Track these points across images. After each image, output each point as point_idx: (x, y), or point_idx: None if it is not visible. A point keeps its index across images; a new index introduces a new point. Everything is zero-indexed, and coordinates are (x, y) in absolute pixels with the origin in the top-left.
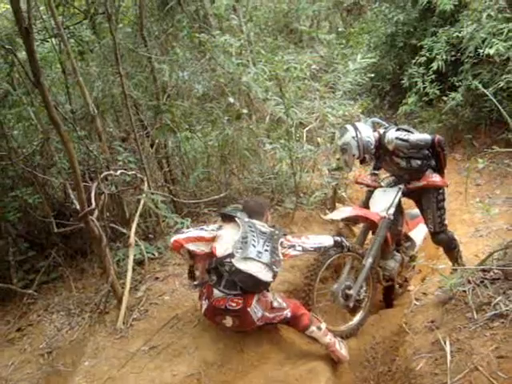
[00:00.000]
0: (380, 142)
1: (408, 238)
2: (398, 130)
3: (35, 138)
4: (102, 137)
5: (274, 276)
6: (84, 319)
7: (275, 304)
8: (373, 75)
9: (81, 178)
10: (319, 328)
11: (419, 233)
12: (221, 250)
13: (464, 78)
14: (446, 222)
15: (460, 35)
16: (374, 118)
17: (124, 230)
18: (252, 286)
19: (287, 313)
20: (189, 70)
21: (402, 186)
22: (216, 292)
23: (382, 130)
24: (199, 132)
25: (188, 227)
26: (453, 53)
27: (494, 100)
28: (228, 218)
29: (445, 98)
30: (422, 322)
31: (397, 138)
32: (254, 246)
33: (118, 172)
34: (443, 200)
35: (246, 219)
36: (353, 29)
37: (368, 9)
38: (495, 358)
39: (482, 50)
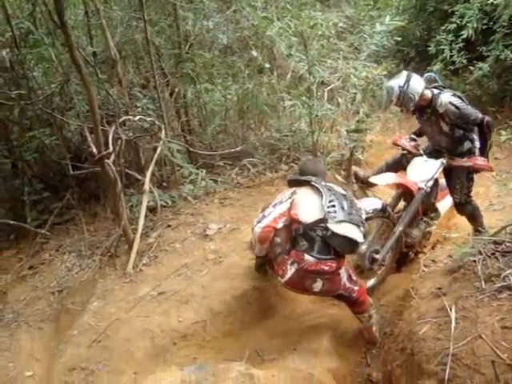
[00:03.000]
0: (431, 102)
1: (435, 209)
2: (453, 95)
3: (55, 79)
4: (122, 82)
5: (364, 236)
6: (94, 261)
7: (353, 276)
8: (399, 39)
9: (99, 122)
10: (370, 316)
11: (445, 204)
12: (305, 215)
13: (494, 48)
14: (472, 194)
15: (495, 2)
16: (430, 73)
17: (139, 177)
18: (348, 249)
19: (356, 291)
20: (214, 20)
21: (444, 161)
22: (308, 257)
23: (436, 91)
24: (219, 84)
25: (203, 179)
26: (485, 21)
27: None
28: (300, 183)
29: (471, 68)
30: (429, 288)
31: (450, 103)
32: (343, 208)
33: (137, 118)
34: (474, 172)
35: (323, 183)
36: None
37: None
38: (500, 328)
39: None
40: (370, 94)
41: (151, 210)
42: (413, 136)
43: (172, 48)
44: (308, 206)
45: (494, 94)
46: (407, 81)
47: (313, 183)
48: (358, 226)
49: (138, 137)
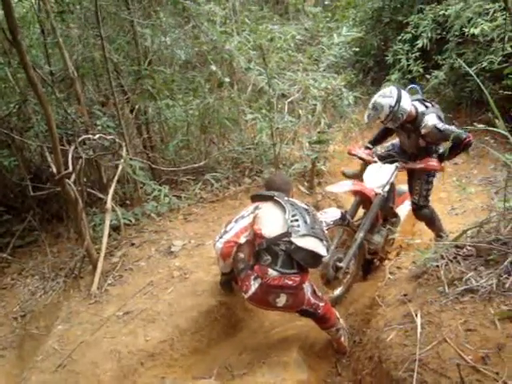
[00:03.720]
0: (415, 119)
1: (394, 214)
2: (437, 117)
3: (12, 99)
4: (81, 100)
5: (327, 250)
6: (58, 284)
7: (318, 292)
8: (357, 50)
9: (58, 142)
10: (338, 330)
11: (404, 209)
12: (268, 230)
13: (448, 57)
14: (430, 199)
15: (446, 13)
16: (413, 85)
17: (101, 195)
18: (312, 263)
19: (321, 307)
20: (172, 36)
21: (398, 165)
22: (271, 271)
23: (420, 108)
24: (180, 100)
25: (166, 195)
26: (438, 31)
27: (477, 79)
28: (263, 198)
29: (428, 76)
30: (394, 295)
31: (435, 127)
32: (306, 222)
33: (97, 136)
34: (434, 176)
35: (286, 198)
36: (339, 2)
37: None
38: (463, 330)
39: (467, 30)
40: (331, 104)
41: (115, 228)
42: (368, 145)
43: (131, 65)
44: (271, 220)
45: (451, 101)
46: (398, 101)
47: (276, 198)
48: (321, 240)
49: (98, 155)
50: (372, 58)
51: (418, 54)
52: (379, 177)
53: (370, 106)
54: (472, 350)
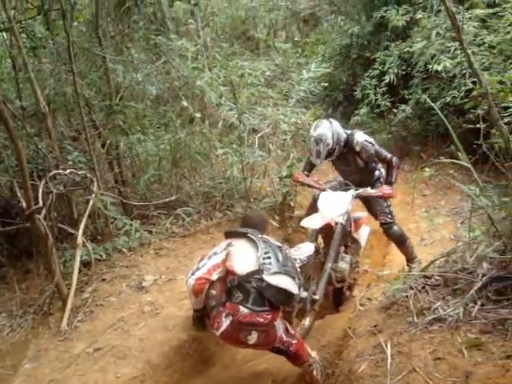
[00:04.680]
0: (347, 142)
1: (354, 240)
2: (364, 134)
3: None
4: (52, 135)
5: (299, 288)
6: (27, 321)
7: (290, 330)
8: (326, 85)
9: (28, 177)
10: (310, 365)
11: (363, 234)
12: (240, 266)
13: (414, 92)
14: (395, 215)
15: (411, 50)
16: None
17: (72, 231)
18: (284, 301)
19: (294, 345)
20: (143, 71)
21: (354, 194)
22: (242, 309)
23: (349, 132)
24: (152, 134)
25: (137, 230)
26: (404, 67)
27: (441, 114)
28: (236, 235)
29: (395, 111)
30: (365, 326)
31: (365, 141)
32: (278, 260)
33: (68, 171)
34: (381, 198)
35: (259, 235)
36: (309, 39)
37: (324, 20)
38: (432, 359)
39: (430, 66)
40: (301, 138)
41: (85, 264)
42: (306, 172)
43: (103, 100)
44: (243, 257)
45: (418, 134)
46: (330, 122)
47: (249, 235)
48: (294, 278)
49: (69, 190)
50: (341, 93)
51: (385, 88)
52: (336, 205)
53: (313, 144)
54: (441, 378)
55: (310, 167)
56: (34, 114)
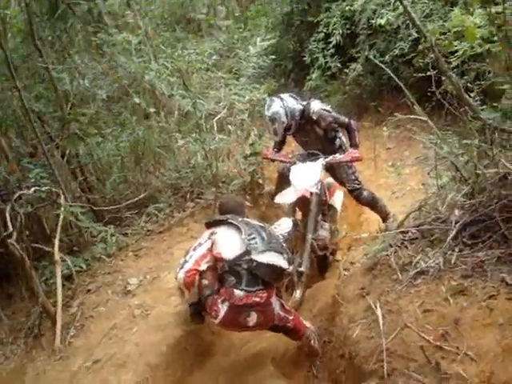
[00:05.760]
0: (303, 113)
1: (330, 207)
2: (320, 102)
3: None
4: (8, 156)
5: (289, 263)
6: (19, 346)
7: (285, 306)
8: (274, 57)
9: None
10: (308, 337)
11: (337, 199)
12: (228, 252)
13: (361, 49)
14: (361, 180)
15: (352, 9)
16: (290, 93)
17: (47, 248)
18: (276, 277)
19: (291, 320)
20: (89, 76)
21: (324, 162)
22: (237, 292)
23: (304, 102)
24: (109, 135)
25: (112, 235)
26: (348, 26)
27: (389, 71)
28: (217, 223)
29: (346, 70)
30: (352, 290)
31: (322, 109)
32: (263, 239)
33: (32, 190)
34: (349, 162)
35: (239, 219)
36: (249, 12)
37: None
38: (421, 312)
39: (374, 21)
40: (258, 115)
41: (67, 278)
42: (275, 149)
43: (54, 110)
44: (229, 242)
45: (372, 90)
46: (281, 99)
47: (229, 221)
48: (281, 253)
49: (37, 208)
50: (290, 61)
51: (333, 50)
52: (308, 176)
53: (269, 123)
54: (432, 329)
55: (279, 143)
56: None
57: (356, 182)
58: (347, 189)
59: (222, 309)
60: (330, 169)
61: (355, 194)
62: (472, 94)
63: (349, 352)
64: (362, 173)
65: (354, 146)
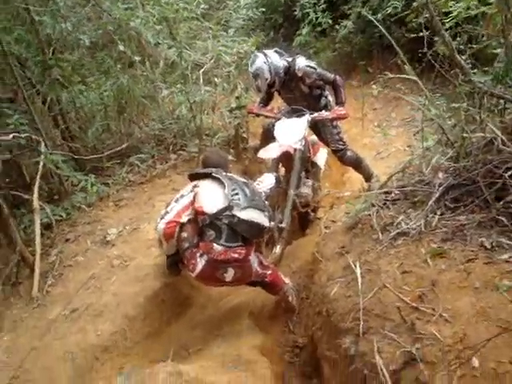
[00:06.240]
0: (288, 70)
1: (313, 164)
2: (306, 59)
3: None
4: None
5: (269, 220)
6: None
7: (263, 262)
8: (264, 9)
9: None
10: (285, 291)
11: (321, 157)
12: (209, 206)
13: (354, 6)
14: (345, 139)
15: None
16: (276, 48)
17: (26, 196)
18: (256, 234)
19: (268, 275)
20: (72, 19)
21: (309, 118)
22: (216, 246)
23: (290, 59)
24: (93, 83)
25: (93, 184)
26: None
27: (382, 28)
28: (200, 176)
29: (337, 27)
30: (332, 248)
31: (307, 66)
32: (246, 195)
33: (10, 136)
34: (335, 119)
35: (224, 173)
36: None
37: None
38: (400, 273)
39: None
40: (245, 68)
41: (46, 226)
42: (261, 105)
43: (36, 55)
44: (211, 196)
45: (362, 49)
46: (265, 55)
47: (213, 175)
48: (263, 211)
49: (16, 155)
50: (281, 15)
51: (324, 5)
52: (292, 132)
53: (252, 80)
54: (409, 290)
55: (266, 99)
56: None
57: (340, 142)
58: (331, 149)
59: (200, 262)
60: (314, 128)
61: (339, 154)
62: (464, 57)
63: (326, 309)
64: (348, 131)
65: (339, 103)
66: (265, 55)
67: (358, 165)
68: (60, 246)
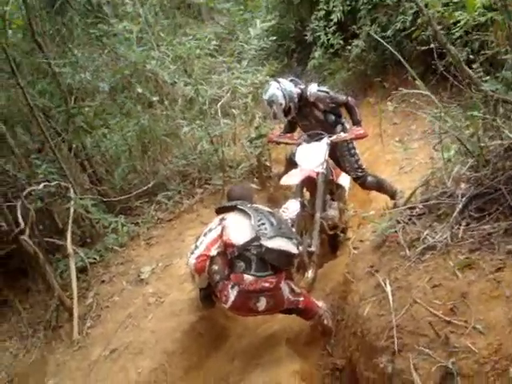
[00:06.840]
0: (301, 96)
1: (337, 186)
2: (318, 85)
3: None
4: (15, 152)
5: (298, 248)
6: (39, 339)
7: (295, 289)
8: (275, 37)
9: (3, 200)
10: (320, 315)
11: (345, 178)
12: (238, 238)
13: (363, 25)
14: (364, 166)
15: None
16: (291, 78)
17: (60, 242)
18: (285, 262)
19: (301, 302)
20: (91, 68)
21: (328, 141)
22: (247, 277)
23: (302, 86)
24: (115, 126)
25: (123, 225)
26: (348, 2)
27: (390, 47)
28: (226, 210)
29: (349, 47)
30: (362, 268)
31: (319, 91)
32: (272, 224)
33: (41, 186)
34: (354, 148)
35: (249, 205)
36: None
37: None
38: (430, 287)
39: None
40: (261, 98)
41: (81, 270)
42: (283, 133)
43: (59, 105)
44: (239, 228)
45: (376, 66)
46: (279, 82)
47: (239, 207)
48: (291, 239)
49: (47, 203)
50: (293, 41)
51: (334, 27)
52: (313, 156)
53: (267, 107)
54: (441, 304)
55: (288, 128)
56: None
57: (359, 170)
58: (351, 177)
59: (232, 294)
60: (333, 158)
61: (359, 181)
62: (475, 66)
63: (360, 330)
64: (371, 149)
65: (356, 123)
66: (278, 82)
67: (380, 187)
68: (96, 287)
